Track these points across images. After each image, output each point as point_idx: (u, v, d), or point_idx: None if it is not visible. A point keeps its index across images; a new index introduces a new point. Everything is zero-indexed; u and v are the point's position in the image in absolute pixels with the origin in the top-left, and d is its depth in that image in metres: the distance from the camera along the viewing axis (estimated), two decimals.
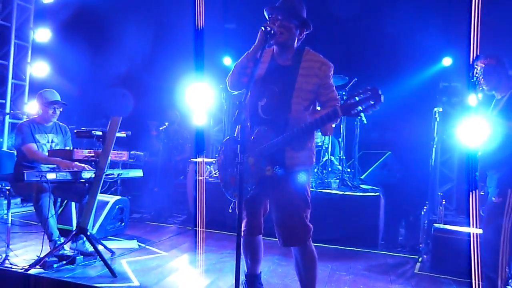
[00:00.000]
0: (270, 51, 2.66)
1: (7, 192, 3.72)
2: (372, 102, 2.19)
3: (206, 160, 5.92)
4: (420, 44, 6.07)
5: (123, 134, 3.75)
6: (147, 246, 4.36)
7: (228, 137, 2.82)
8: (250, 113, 2.60)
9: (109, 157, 3.57)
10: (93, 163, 3.64)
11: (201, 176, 5.44)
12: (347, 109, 2.27)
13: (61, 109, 4.07)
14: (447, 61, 6.43)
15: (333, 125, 2.48)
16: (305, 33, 2.61)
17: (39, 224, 3.72)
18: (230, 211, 2.74)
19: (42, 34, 6.56)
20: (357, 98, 2.24)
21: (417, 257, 4.35)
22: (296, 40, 2.59)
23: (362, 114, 5.77)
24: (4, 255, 3.49)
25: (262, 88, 2.58)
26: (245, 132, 2.10)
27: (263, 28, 2.42)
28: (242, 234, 2.59)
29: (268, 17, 2.56)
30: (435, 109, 4.89)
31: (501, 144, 3.05)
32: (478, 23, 4.84)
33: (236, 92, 2.82)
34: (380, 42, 6.17)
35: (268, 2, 2.61)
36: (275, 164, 2.47)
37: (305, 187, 2.59)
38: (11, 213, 3.89)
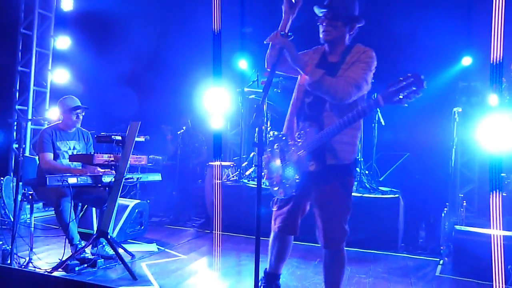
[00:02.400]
0: (321, 50, 2.66)
1: (30, 197, 3.81)
2: (414, 88, 2.14)
3: (223, 163, 5.95)
4: (439, 43, 5.99)
5: (142, 139, 3.80)
6: (166, 249, 4.40)
7: (273, 135, 2.78)
8: (298, 110, 2.64)
9: (129, 161, 3.63)
10: (112, 167, 3.69)
11: (218, 180, 5.47)
12: (388, 96, 2.22)
13: (83, 114, 4.14)
14: (466, 61, 6.33)
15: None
16: (357, 26, 2.60)
17: (61, 228, 3.79)
18: (273, 209, 2.76)
19: (62, 42, 6.71)
20: (398, 85, 2.19)
21: (438, 259, 4.28)
22: (346, 37, 2.59)
23: (380, 115, 5.73)
24: (27, 258, 3.57)
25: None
26: (262, 135, 2.10)
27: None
28: (275, 229, 2.72)
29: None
30: (454, 109, 4.82)
31: None
32: (501, 20, 4.76)
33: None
34: (398, 42, 6.12)
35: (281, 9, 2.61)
36: (318, 159, 2.47)
37: (348, 186, 2.57)
38: (34, 217, 3.98)
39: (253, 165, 5.79)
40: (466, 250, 3.88)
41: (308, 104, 2.58)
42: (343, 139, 2.47)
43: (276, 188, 2.66)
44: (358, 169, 5.48)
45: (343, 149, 2.48)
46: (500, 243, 3.65)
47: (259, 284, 2.57)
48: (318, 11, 2.54)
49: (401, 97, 2.18)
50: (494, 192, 4.47)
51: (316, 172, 2.48)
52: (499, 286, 3.48)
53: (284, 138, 2.65)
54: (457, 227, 4.13)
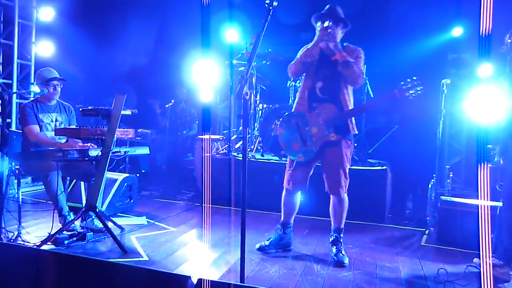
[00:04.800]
0: (319, 48, 3.39)
1: (17, 171, 3.78)
2: (421, 87, 3.15)
3: (213, 137, 5.93)
4: (429, 13, 5.92)
5: (128, 112, 3.75)
6: (156, 222, 4.43)
7: (288, 112, 3.55)
8: (309, 93, 3.41)
9: (115, 135, 3.59)
10: (99, 141, 3.65)
11: (208, 153, 5.46)
12: (402, 91, 3.18)
13: (61, 85, 4.05)
14: (457, 31, 6.26)
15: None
16: (345, 31, 3.44)
17: (49, 201, 3.79)
18: (289, 170, 3.51)
19: (46, 13, 6.51)
20: (409, 85, 3.17)
21: (423, 229, 4.37)
22: (340, 38, 3.39)
23: (369, 88, 5.95)
24: (16, 233, 3.57)
25: (317, 74, 3.38)
26: (247, 106, 2.09)
27: (324, 25, 3.24)
28: (290, 188, 3.50)
29: (317, 22, 3.35)
30: (443, 81, 4.81)
31: None
32: None
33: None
34: (387, 12, 6.04)
35: None
36: (338, 131, 3.30)
37: (351, 149, 3.49)
38: (23, 192, 3.96)
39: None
40: (451, 220, 3.95)
41: (319, 89, 3.36)
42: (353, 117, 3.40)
43: (296, 154, 3.40)
44: None
45: (352, 124, 3.41)
46: (487, 213, 3.71)
47: (277, 230, 3.61)
48: (319, 18, 3.33)
49: (411, 92, 3.18)
50: (481, 163, 4.52)
51: (334, 141, 3.32)
52: (484, 254, 3.56)
53: (301, 115, 3.41)
54: (443, 197, 4.19)
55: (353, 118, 3.44)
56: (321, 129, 3.32)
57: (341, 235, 3.51)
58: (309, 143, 3.35)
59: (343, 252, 3.43)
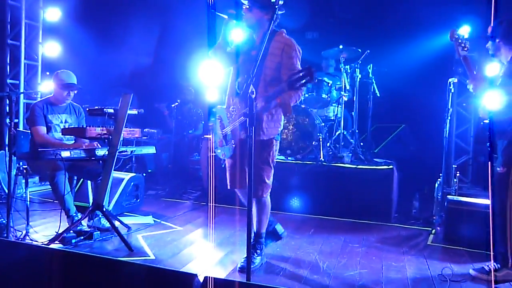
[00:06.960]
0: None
1: (25, 171, 3.81)
2: (308, 78, 2.64)
3: None
4: (436, 12, 5.90)
5: (134, 112, 3.77)
6: (162, 222, 4.44)
7: (218, 106, 3.31)
8: (231, 89, 3.17)
9: (122, 134, 3.61)
10: (106, 140, 3.67)
11: (213, 153, 5.46)
12: (291, 84, 2.69)
13: (75, 91, 4.08)
14: (464, 30, 6.22)
15: (291, 104, 2.90)
16: (276, 13, 2.81)
17: (56, 201, 3.81)
18: (222, 166, 3.34)
19: (52, 14, 6.55)
20: (297, 76, 2.70)
21: (430, 229, 4.35)
22: (264, 22, 2.99)
23: (375, 87, 5.90)
24: (24, 232, 3.60)
25: (239, 69, 3.13)
26: (253, 105, 2.09)
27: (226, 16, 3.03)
28: (229, 187, 3.32)
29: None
30: (450, 79, 4.78)
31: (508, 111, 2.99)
32: None
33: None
34: (393, 11, 6.02)
35: None
36: (246, 130, 2.94)
37: (269, 151, 3.11)
38: (30, 191, 3.99)
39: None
40: (457, 220, 3.93)
41: (238, 83, 3.09)
42: (267, 118, 3.03)
43: (219, 151, 3.28)
44: (352, 141, 5.50)
45: (267, 124, 3.05)
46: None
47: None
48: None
49: (298, 85, 2.68)
50: (490, 162, 4.49)
51: (245, 138, 2.90)
52: (491, 254, 3.54)
53: (222, 110, 3.21)
54: (450, 197, 4.17)
55: (277, 115, 3.12)
56: (235, 126, 3.07)
57: (261, 240, 3.26)
58: (228, 140, 3.15)
59: (257, 261, 3.19)
